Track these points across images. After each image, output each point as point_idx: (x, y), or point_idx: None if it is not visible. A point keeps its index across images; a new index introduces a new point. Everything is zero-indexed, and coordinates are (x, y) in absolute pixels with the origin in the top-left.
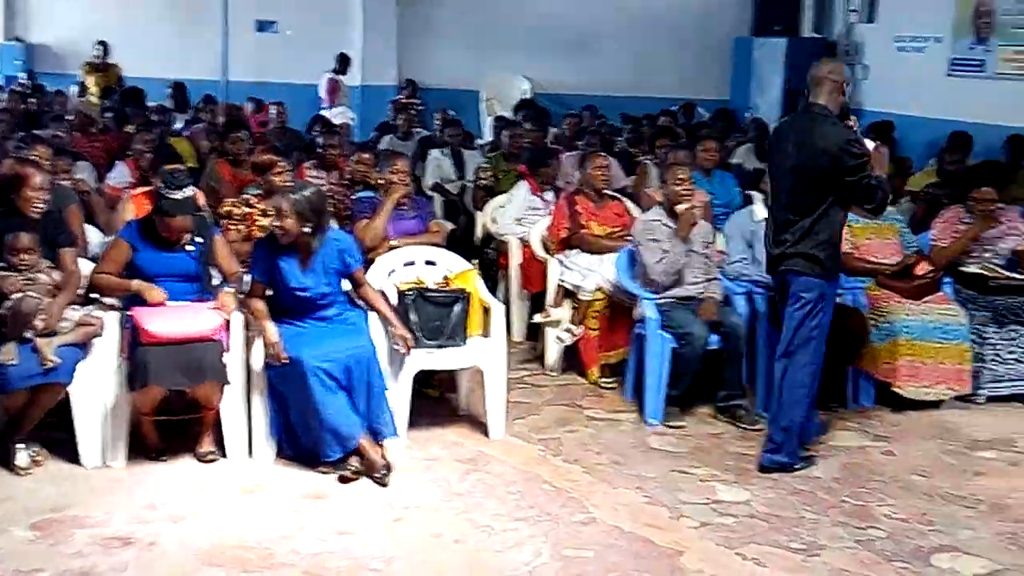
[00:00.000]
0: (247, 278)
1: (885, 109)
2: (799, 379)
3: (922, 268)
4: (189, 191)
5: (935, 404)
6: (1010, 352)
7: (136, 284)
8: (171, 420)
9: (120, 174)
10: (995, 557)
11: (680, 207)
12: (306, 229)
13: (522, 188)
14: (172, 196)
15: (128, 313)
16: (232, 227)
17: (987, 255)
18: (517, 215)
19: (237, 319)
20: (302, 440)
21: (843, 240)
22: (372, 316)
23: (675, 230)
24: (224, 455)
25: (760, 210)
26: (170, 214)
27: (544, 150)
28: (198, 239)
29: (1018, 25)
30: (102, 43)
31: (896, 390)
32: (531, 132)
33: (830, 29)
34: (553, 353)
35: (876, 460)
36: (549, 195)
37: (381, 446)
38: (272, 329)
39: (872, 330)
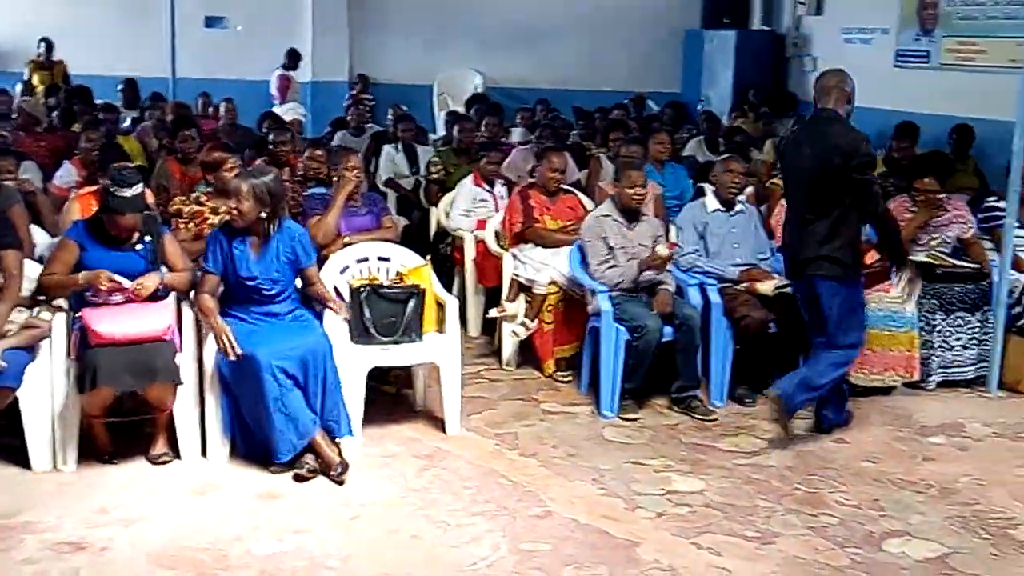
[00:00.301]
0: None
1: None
2: (835, 357)
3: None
4: (138, 188)
5: (885, 391)
6: (957, 339)
7: (82, 276)
8: (123, 422)
9: (66, 173)
10: (944, 540)
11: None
12: (263, 214)
13: (467, 181)
14: (121, 193)
15: (77, 315)
16: (182, 225)
17: (934, 243)
18: (465, 208)
19: (188, 318)
20: (257, 438)
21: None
22: (327, 314)
23: (626, 225)
24: (177, 456)
25: (711, 201)
26: (119, 211)
27: (484, 144)
28: (147, 238)
29: (961, 16)
30: (45, 40)
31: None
32: (493, 127)
33: (779, 21)
34: (509, 348)
35: (828, 448)
36: (499, 187)
37: (337, 444)
38: (222, 325)
39: None
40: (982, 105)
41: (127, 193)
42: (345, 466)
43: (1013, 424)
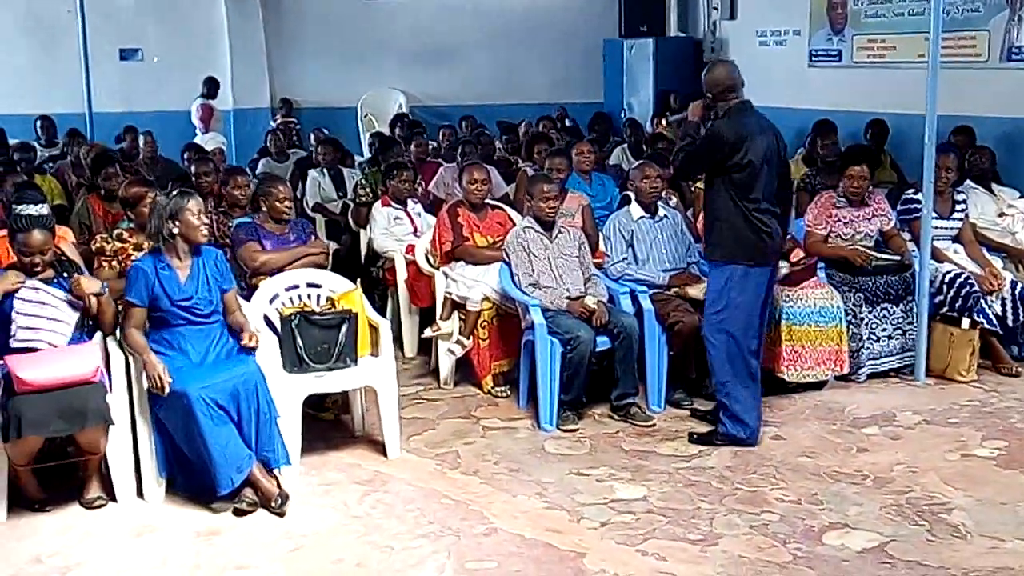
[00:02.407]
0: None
1: (752, 102)
2: None
3: (796, 255)
4: (43, 208)
5: (818, 386)
6: (883, 330)
7: None
8: (54, 466)
9: None
10: (881, 530)
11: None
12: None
13: (377, 204)
14: (25, 211)
15: (0, 361)
16: (105, 263)
17: (858, 237)
18: (383, 228)
19: (116, 357)
20: (196, 474)
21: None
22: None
23: (546, 236)
24: (113, 499)
25: (636, 209)
26: (26, 229)
27: (391, 165)
28: (64, 274)
29: (870, 15)
30: None
31: (780, 375)
32: (420, 147)
33: (695, 27)
34: (445, 366)
35: (766, 445)
36: (412, 204)
37: (275, 475)
38: (155, 361)
39: None
40: (894, 100)
41: (32, 210)
42: (285, 497)
43: (941, 411)
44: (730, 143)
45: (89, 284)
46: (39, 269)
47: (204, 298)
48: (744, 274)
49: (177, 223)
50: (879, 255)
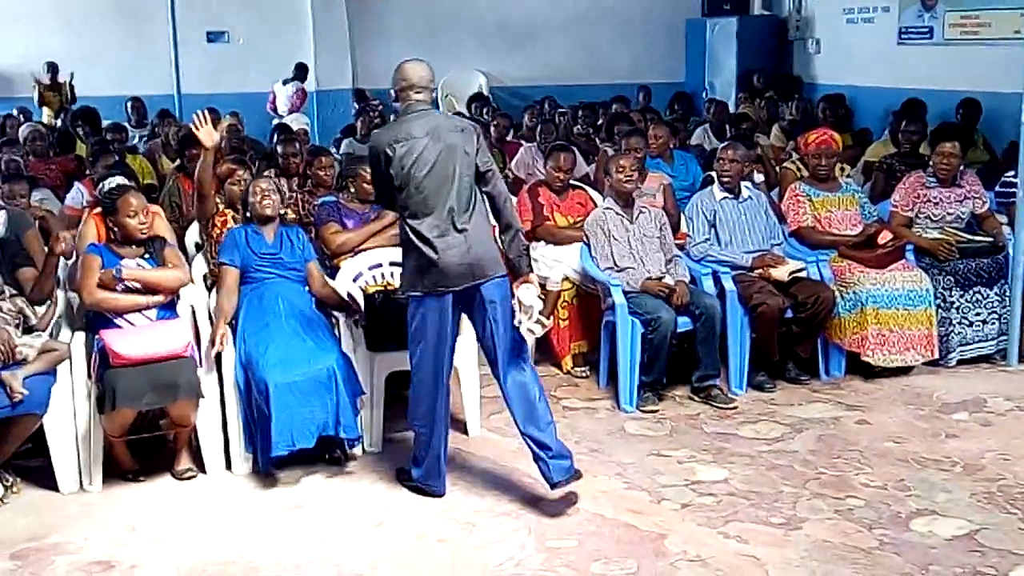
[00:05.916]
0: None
1: (839, 81)
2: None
3: (884, 237)
4: (121, 179)
5: (905, 371)
6: (976, 314)
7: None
8: (147, 438)
9: (78, 195)
10: (971, 517)
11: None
12: (280, 205)
13: None
14: (114, 182)
15: (96, 336)
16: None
17: (948, 219)
18: None
19: (207, 333)
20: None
21: (805, 213)
22: (342, 324)
23: (627, 217)
24: (202, 471)
25: (719, 190)
26: (121, 193)
27: None
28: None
29: None
30: (50, 64)
31: (866, 359)
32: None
33: (780, 5)
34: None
35: (851, 429)
36: None
37: (342, 443)
38: (221, 329)
39: (839, 301)
40: (988, 79)
41: (118, 179)
42: (346, 458)
43: None
44: (382, 152)
45: (172, 257)
46: (146, 230)
47: (287, 255)
48: (418, 305)
49: (248, 202)
50: (969, 237)
